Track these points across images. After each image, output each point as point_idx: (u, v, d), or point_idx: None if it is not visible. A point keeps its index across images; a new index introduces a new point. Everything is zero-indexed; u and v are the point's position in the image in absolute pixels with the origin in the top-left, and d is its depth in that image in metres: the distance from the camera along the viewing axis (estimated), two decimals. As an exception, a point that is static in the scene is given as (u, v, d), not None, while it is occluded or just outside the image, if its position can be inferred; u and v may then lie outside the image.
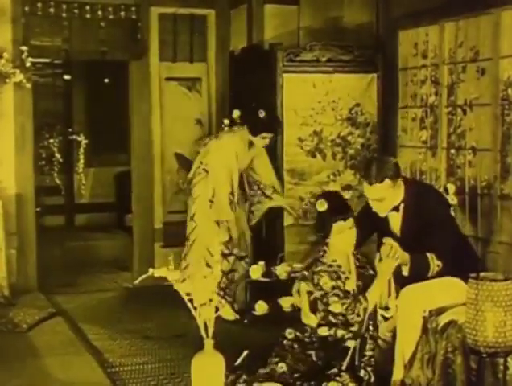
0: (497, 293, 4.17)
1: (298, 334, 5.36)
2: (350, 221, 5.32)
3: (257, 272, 6.82)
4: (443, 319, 4.86)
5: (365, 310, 5.22)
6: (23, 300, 7.67)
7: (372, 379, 5.07)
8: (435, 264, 5.09)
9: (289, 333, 5.38)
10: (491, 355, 4.27)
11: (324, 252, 5.44)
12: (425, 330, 4.95)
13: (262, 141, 7.37)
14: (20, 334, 6.79)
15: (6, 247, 7.66)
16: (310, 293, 5.35)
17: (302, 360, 5.18)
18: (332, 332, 5.26)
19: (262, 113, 7.25)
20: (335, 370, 5.07)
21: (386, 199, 5.15)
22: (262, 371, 5.22)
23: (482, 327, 4.18)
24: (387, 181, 5.09)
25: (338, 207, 5.41)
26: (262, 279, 6.88)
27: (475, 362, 4.51)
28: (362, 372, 5.08)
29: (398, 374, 5.01)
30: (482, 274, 4.35)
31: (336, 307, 5.26)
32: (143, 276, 5.05)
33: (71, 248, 10.36)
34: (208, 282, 4.61)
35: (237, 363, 5.47)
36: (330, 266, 5.37)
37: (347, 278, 5.34)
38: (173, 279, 4.99)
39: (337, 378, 5.00)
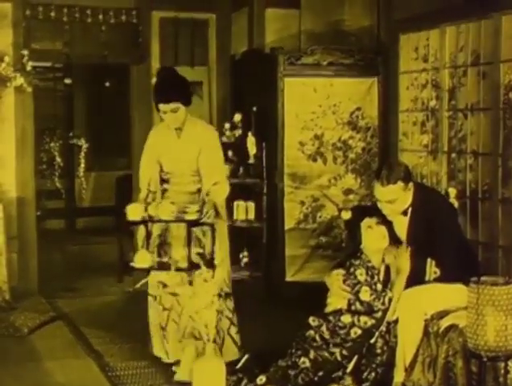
0: (498, 297, 4.17)
1: (321, 321, 5.37)
2: (375, 219, 5.37)
3: (143, 259, 5.55)
4: (444, 323, 4.86)
5: (389, 299, 5.29)
6: (24, 304, 7.67)
7: (375, 382, 5.09)
8: (432, 270, 5.12)
9: (312, 320, 5.40)
10: (492, 359, 4.27)
11: (361, 252, 5.46)
12: (426, 333, 4.95)
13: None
14: (21, 337, 6.79)
15: (6, 250, 7.66)
16: (344, 280, 5.45)
17: (325, 358, 5.21)
18: (355, 319, 5.29)
19: None
20: (339, 373, 5.10)
21: (398, 201, 5.17)
22: (281, 362, 5.25)
23: (483, 331, 4.18)
24: (400, 183, 5.12)
25: (363, 212, 5.53)
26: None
27: (476, 366, 4.51)
28: (366, 375, 5.11)
29: (398, 377, 5.02)
30: (483, 278, 4.35)
31: (365, 295, 5.36)
32: (144, 280, 5.07)
33: (71, 251, 10.36)
34: (209, 286, 4.62)
35: (237, 366, 5.49)
36: (368, 262, 5.43)
37: (379, 280, 5.38)
38: (172, 283, 5.00)
39: (341, 381, 5.03)
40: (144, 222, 5.59)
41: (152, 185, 5.93)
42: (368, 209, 5.55)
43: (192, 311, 5.32)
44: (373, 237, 5.40)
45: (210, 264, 5.43)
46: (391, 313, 5.23)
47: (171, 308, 5.67)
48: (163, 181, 5.94)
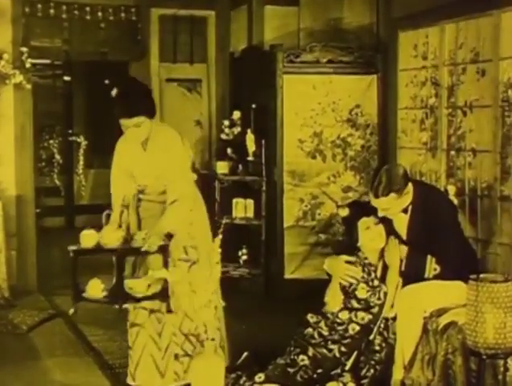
0: (497, 294, 4.16)
1: (320, 318, 5.36)
2: (373, 218, 5.34)
3: (95, 289, 5.19)
4: (443, 320, 4.86)
5: (385, 293, 5.28)
6: (23, 301, 7.67)
7: (374, 380, 5.09)
8: (432, 267, 5.11)
9: (311, 317, 5.39)
10: (491, 357, 4.27)
11: (358, 250, 5.45)
12: (425, 330, 4.95)
13: None
14: (20, 335, 6.78)
15: (5, 248, 7.65)
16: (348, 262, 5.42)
17: (324, 355, 5.21)
18: (352, 315, 5.29)
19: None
20: (338, 370, 5.10)
21: (392, 208, 5.17)
22: (280, 360, 5.25)
23: (482, 329, 4.18)
24: (392, 194, 5.10)
25: (360, 209, 5.46)
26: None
27: (475, 363, 4.51)
28: (365, 372, 5.12)
29: (397, 374, 5.02)
30: (482, 275, 4.35)
31: (362, 293, 5.33)
32: (143, 277, 5.05)
33: (71, 249, 10.34)
34: (208, 283, 4.61)
35: (237, 363, 5.49)
36: (365, 259, 5.40)
37: (376, 277, 5.37)
38: (173, 280, 4.99)
39: (340, 378, 5.04)
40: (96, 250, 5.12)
41: (126, 200, 5.36)
42: (366, 205, 5.52)
43: (190, 310, 5.04)
44: (370, 237, 5.38)
45: (163, 294, 5.05)
46: (388, 307, 5.23)
47: (143, 325, 5.30)
48: (139, 191, 5.38)
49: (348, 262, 5.41)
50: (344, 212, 5.56)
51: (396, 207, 5.17)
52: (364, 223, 5.38)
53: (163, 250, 5.03)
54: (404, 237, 5.30)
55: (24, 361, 6.05)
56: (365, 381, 5.10)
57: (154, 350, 5.25)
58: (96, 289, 5.12)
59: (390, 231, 5.36)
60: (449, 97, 6.90)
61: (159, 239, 5.01)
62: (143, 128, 5.08)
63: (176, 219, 5.14)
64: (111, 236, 5.02)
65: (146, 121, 5.07)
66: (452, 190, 5.86)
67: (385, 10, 7.94)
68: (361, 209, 5.53)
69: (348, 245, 5.57)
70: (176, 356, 5.24)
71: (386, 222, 5.36)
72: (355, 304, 5.33)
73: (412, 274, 5.17)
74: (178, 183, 5.14)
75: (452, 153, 6.88)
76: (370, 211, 5.35)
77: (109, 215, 5.19)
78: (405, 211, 5.24)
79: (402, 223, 5.29)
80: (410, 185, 5.21)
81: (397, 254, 5.22)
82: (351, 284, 5.37)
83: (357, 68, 7.91)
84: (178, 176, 5.16)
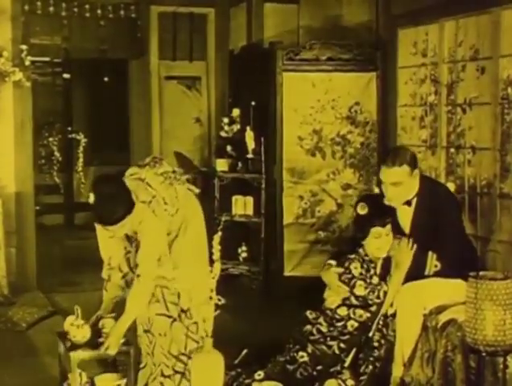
0: (497, 291, 4.16)
1: (318, 314, 5.37)
2: (388, 228, 5.31)
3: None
4: (443, 317, 4.86)
5: (385, 293, 5.28)
6: (23, 299, 7.66)
7: (373, 376, 5.09)
8: (432, 264, 5.12)
9: (310, 313, 5.40)
10: (491, 354, 4.27)
11: (360, 246, 5.43)
12: (425, 328, 4.95)
13: None
14: (19, 332, 6.78)
15: (5, 245, 7.65)
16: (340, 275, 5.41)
17: (323, 352, 5.21)
18: (351, 312, 5.29)
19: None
20: (337, 367, 5.10)
21: (402, 185, 5.15)
22: (280, 357, 5.25)
23: (482, 326, 4.18)
24: (405, 167, 5.10)
25: (378, 211, 5.41)
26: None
27: (474, 361, 4.51)
28: (363, 369, 5.12)
29: (397, 371, 5.02)
30: (482, 273, 4.35)
31: (360, 290, 5.33)
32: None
33: (70, 246, 10.36)
34: (208, 280, 4.61)
35: (236, 361, 5.49)
36: (365, 255, 5.39)
37: (375, 273, 5.37)
38: (170, 277, 4.99)
39: (339, 375, 5.04)
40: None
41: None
42: (379, 199, 5.39)
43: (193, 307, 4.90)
44: (378, 246, 5.35)
45: None
46: (387, 305, 5.22)
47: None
48: None
49: (343, 267, 5.43)
50: (363, 210, 5.48)
51: (405, 187, 5.15)
52: (376, 232, 5.32)
53: (127, 353, 4.74)
54: (407, 231, 5.30)
55: (23, 358, 6.05)
56: (363, 377, 5.11)
57: (146, 372, 5.01)
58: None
59: (400, 232, 5.36)
60: (449, 95, 6.90)
61: (119, 339, 4.69)
62: (126, 226, 4.70)
63: (136, 305, 4.80)
64: (77, 333, 4.79)
65: (128, 218, 4.66)
66: (451, 187, 5.86)
67: (384, 7, 7.94)
68: (374, 205, 5.44)
69: (353, 241, 5.54)
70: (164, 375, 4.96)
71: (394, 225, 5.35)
72: (353, 301, 5.33)
73: (413, 270, 5.17)
74: (141, 256, 4.77)
75: (452, 150, 6.88)
76: (384, 208, 5.30)
77: (77, 309, 4.91)
78: (409, 204, 5.24)
79: (406, 217, 5.29)
80: (417, 171, 5.21)
81: (409, 256, 5.20)
82: (349, 281, 5.37)
83: (357, 66, 7.90)
84: (142, 248, 4.78)
